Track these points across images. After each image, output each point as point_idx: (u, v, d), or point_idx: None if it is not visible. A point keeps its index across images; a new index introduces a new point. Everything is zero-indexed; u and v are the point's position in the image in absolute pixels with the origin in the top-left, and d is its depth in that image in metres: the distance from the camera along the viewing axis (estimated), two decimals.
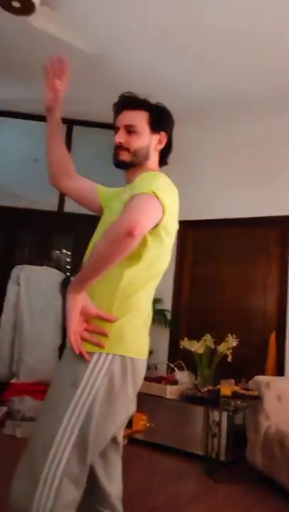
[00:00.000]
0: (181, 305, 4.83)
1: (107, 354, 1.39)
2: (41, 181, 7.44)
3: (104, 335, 1.39)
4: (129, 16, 3.29)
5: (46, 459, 1.32)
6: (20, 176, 7.02)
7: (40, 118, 5.64)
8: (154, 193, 1.39)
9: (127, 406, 1.48)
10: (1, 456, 3.35)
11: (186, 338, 4.08)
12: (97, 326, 1.40)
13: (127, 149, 1.58)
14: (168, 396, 3.83)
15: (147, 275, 1.49)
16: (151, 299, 1.56)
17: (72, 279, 5.03)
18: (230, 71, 3.96)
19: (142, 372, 1.50)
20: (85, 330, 1.39)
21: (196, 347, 3.95)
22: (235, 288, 4.58)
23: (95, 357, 1.38)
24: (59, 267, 5.38)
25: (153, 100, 1.67)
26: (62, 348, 4.75)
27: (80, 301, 1.38)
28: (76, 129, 5.21)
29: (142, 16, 3.29)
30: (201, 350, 3.94)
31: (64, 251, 6.06)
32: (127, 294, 1.44)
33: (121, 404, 1.43)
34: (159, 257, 1.52)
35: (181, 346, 4.10)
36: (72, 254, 5.76)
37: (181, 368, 4.14)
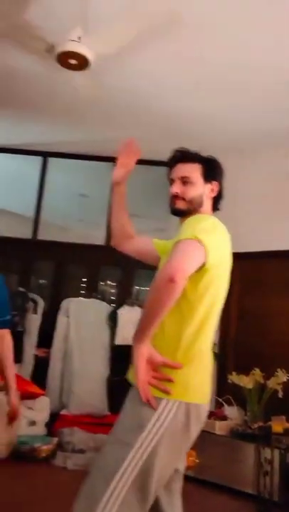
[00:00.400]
0: (228, 338, 4.81)
1: (174, 401, 1.46)
2: (89, 216, 7.72)
3: (171, 381, 1.45)
4: (177, 60, 3.46)
5: (106, 490, 1.39)
6: (69, 211, 7.31)
7: (87, 157, 5.92)
8: (195, 237, 1.47)
9: (188, 445, 1.56)
10: (52, 487, 3.40)
11: (234, 373, 4.05)
12: (164, 373, 1.46)
13: (183, 199, 1.69)
14: (217, 432, 3.79)
15: (206, 317, 1.56)
16: (211, 340, 1.62)
17: (118, 311, 5.15)
18: (275, 106, 4.05)
19: (204, 415, 1.56)
20: (153, 377, 1.46)
21: (245, 382, 3.92)
22: (284, 321, 4.53)
23: (162, 403, 1.45)
24: (105, 299, 5.51)
25: (200, 145, 1.79)
26: (109, 380, 4.83)
27: (145, 352, 1.45)
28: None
29: (189, 57, 3.46)
30: (250, 385, 3.90)
31: (108, 282, 6.21)
32: (190, 340, 1.51)
33: (183, 445, 1.52)
34: (215, 297, 1.59)
35: (229, 380, 4.08)
36: (118, 286, 5.88)
37: (229, 403, 4.10)
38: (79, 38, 2.54)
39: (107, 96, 4.04)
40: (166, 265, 1.43)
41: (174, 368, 1.47)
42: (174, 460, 1.51)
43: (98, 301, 5.28)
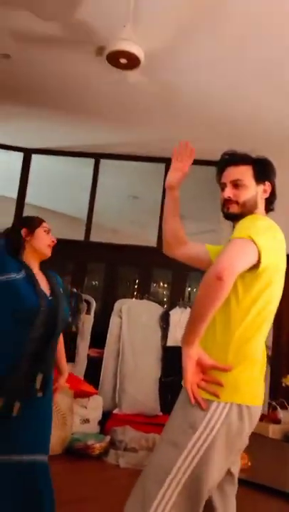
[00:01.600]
0: (281, 340, 4.70)
1: (225, 403, 1.43)
2: (140, 218, 7.76)
3: (220, 385, 1.43)
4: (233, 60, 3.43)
5: (159, 491, 1.39)
6: (121, 213, 7.39)
7: (137, 158, 5.93)
8: (249, 236, 1.43)
9: (241, 446, 1.54)
10: (105, 484, 3.44)
11: (288, 375, 3.94)
12: (214, 376, 1.44)
13: (236, 202, 1.65)
14: (271, 435, 3.70)
15: (259, 320, 1.52)
16: (263, 344, 1.58)
17: (170, 313, 5.14)
18: None
19: (257, 416, 1.53)
20: (203, 380, 1.44)
21: None
22: None
23: (213, 406, 1.43)
24: (158, 301, 5.52)
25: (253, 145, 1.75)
26: (161, 380, 4.83)
27: (193, 354, 1.43)
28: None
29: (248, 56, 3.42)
30: None
31: (161, 284, 6.22)
32: (241, 342, 1.49)
33: (236, 447, 1.50)
34: (269, 301, 1.54)
35: (283, 384, 3.97)
36: (170, 288, 5.87)
37: (283, 407, 3.99)
38: (128, 36, 2.56)
39: (158, 97, 4.07)
40: (214, 263, 1.41)
41: (223, 370, 1.44)
42: (227, 462, 1.49)
43: (150, 302, 5.30)
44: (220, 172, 1.72)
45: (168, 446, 1.45)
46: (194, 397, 1.43)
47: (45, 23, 3.21)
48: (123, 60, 2.64)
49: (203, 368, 1.44)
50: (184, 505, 1.39)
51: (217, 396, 1.43)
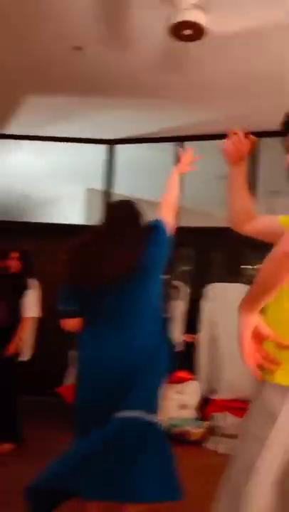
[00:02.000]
0: None
1: None
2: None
3: (276, 364, 1.29)
4: None
5: (244, 488, 1.27)
6: (209, 195, 7.21)
7: (220, 137, 5.72)
8: None
9: None
10: (203, 470, 3.40)
11: None
12: (271, 353, 1.30)
13: None
14: None
15: None
16: None
17: None
18: None
19: None
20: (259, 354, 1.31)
21: None
22: None
23: None
24: (251, 283, 5.32)
25: None
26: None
27: (252, 322, 1.31)
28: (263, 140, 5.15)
29: None
30: None
31: (256, 266, 5.97)
32: None
33: None
34: None
35: None
36: None
37: None
38: (192, 5, 2.40)
39: (234, 69, 3.86)
40: (284, 237, 1.25)
41: (283, 346, 1.29)
42: None
43: (243, 285, 5.12)
44: (285, 135, 1.52)
45: (249, 441, 1.33)
46: (254, 371, 1.31)
47: (111, 9, 3.17)
48: (187, 32, 2.50)
49: (260, 339, 1.31)
50: (278, 502, 1.25)
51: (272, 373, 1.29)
